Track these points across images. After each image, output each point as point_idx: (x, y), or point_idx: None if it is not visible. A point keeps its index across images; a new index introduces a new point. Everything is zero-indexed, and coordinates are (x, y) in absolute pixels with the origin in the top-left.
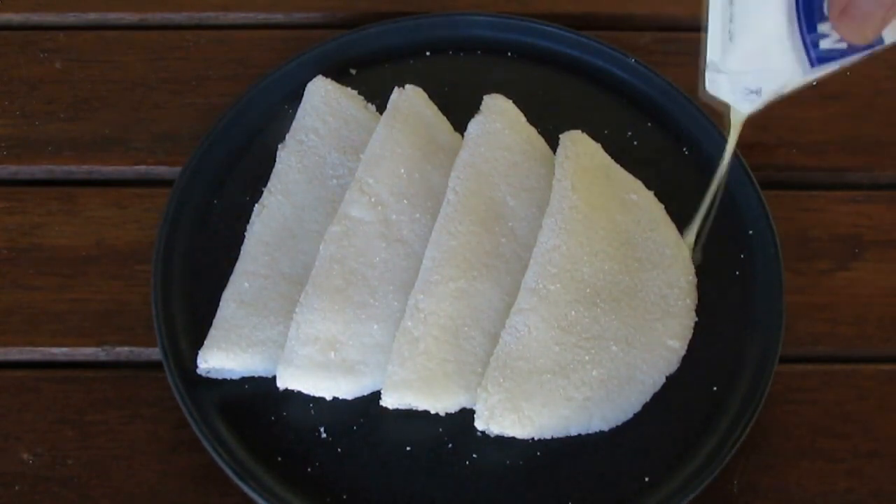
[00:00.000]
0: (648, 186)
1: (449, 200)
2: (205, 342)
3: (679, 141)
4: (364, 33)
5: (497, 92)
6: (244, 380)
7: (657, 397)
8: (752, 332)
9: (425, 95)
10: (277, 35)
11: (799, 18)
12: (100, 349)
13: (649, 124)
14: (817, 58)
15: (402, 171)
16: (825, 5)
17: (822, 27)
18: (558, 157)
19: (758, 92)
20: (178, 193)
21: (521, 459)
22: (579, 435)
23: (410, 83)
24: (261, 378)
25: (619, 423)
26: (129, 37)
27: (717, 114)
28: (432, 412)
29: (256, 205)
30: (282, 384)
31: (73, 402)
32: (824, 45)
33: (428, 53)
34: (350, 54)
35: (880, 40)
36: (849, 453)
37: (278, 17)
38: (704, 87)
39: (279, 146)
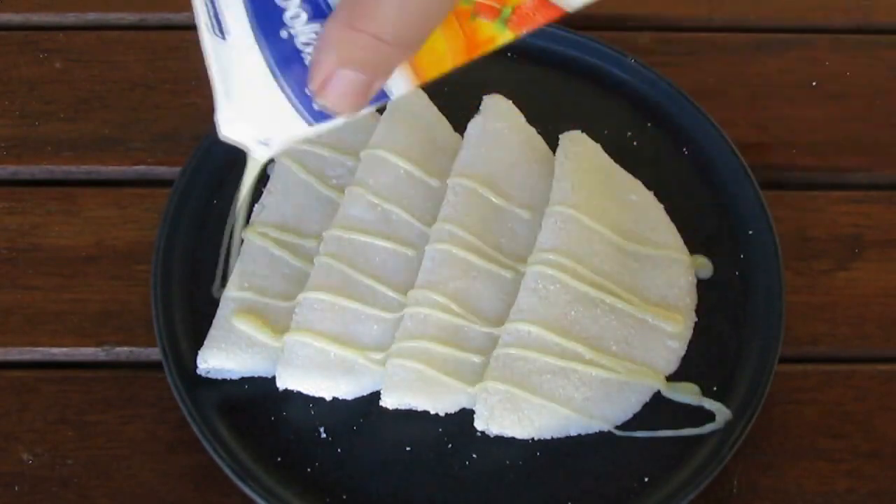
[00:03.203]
0: (648, 186)
1: (449, 200)
2: (205, 342)
3: (679, 141)
4: None
5: (497, 92)
6: (244, 380)
7: (657, 397)
8: (752, 332)
9: (425, 95)
10: None
11: (281, 83)
12: (99, 349)
13: (649, 124)
14: (315, 115)
15: (402, 171)
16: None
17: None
18: (558, 158)
19: (267, 142)
20: (178, 193)
21: (521, 459)
22: (579, 435)
23: None
24: (261, 378)
25: (619, 423)
26: (128, 37)
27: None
28: (432, 412)
29: (256, 205)
30: (282, 384)
31: (73, 403)
32: (318, 105)
33: None
34: None
35: (383, 95)
36: (849, 453)
37: None
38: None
39: None
